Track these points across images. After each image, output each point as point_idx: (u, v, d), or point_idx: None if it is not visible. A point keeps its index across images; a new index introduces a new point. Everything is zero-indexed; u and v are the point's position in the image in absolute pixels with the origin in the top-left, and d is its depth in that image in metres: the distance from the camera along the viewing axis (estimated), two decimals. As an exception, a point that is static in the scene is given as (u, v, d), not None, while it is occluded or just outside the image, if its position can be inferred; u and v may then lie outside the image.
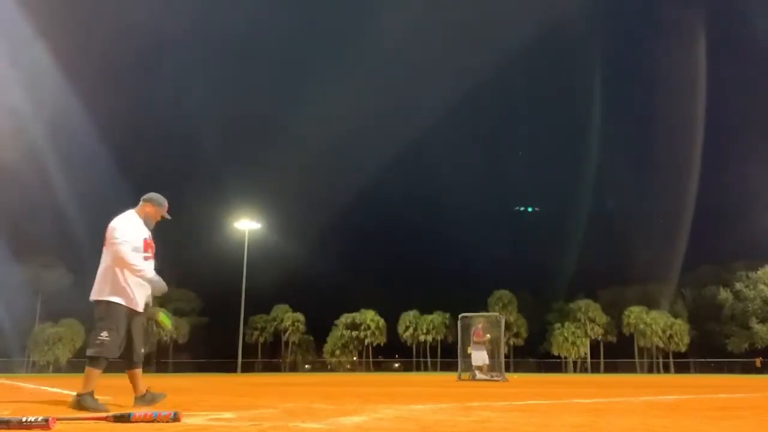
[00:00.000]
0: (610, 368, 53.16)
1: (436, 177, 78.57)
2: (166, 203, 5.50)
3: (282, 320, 57.41)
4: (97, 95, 57.66)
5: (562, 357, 54.39)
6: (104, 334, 4.91)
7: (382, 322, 55.81)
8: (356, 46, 72.30)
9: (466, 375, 16.97)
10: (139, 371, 5.27)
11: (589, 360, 54.45)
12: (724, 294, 52.10)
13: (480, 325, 17.23)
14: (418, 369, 55.41)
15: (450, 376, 20.98)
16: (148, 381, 5.52)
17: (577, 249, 65.60)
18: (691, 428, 3.79)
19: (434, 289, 59.25)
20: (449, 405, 5.76)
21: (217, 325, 55.14)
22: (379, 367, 57.62)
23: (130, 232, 5.15)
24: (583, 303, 54.43)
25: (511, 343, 51.90)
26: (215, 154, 75.14)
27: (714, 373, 45.75)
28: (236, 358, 46.24)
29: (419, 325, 55.48)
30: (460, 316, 18.70)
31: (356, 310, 56.17)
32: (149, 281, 5.14)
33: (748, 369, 46.55)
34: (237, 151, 76.25)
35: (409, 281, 63.75)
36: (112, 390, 6.76)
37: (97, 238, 5.43)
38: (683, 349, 51.89)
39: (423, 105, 78.22)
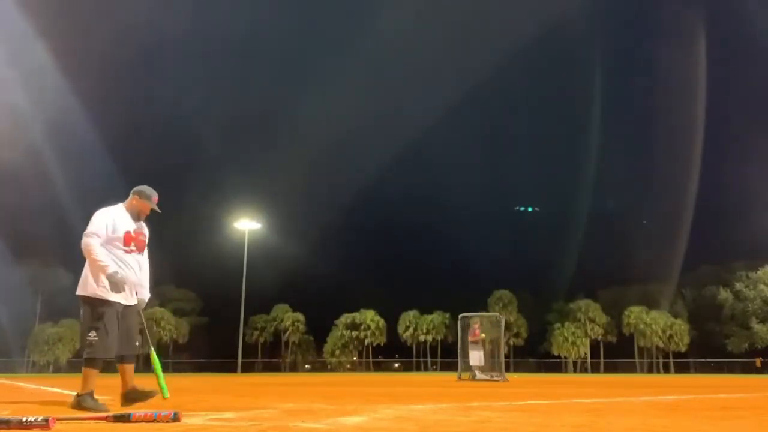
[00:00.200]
0: (610, 368, 53.15)
1: (436, 177, 78.59)
2: (155, 196, 5.31)
3: (282, 320, 57.39)
4: (97, 95, 57.79)
5: (562, 357, 54.42)
6: (92, 334, 4.86)
7: (382, 322, 55.82)
8: (356, 46, 72.34)
9: (466, 375, 16.97)
10: (128, 366, 5.16)
11: (589, 360, 54.47)
12: (724, 294, 52.10)
13: (476, 325, 17.21)
14: (418, 369, 55.40)
15: (450, 376, 20.96)
16: (148, 381, 5.50)
17: (577, 249, 65.76)
18: (691, 428, 3.78)
19: (434, 289, 59.33)
20: (449, 405, 5.75)
21: (217, 325, 55.16)
22: (379, 367, 57.60)
23: (102, 224, 4.99)
24: (583, 303, 54.45)
25: (511, 343, 51.89)
26: (215, 154, 75.32)
27: (714, 373, 45.73)
28: (236, 358, 46.26)
29: (419, 325, 55.48)
30: (460, 316, 18.71)
31: (356, 310, 56.17)
32: (108, 276, 4.87)
33: (748, 369, 46.55)
34: (237, 150, 76.45)
35: (409, 281, 63.75)
36: (113, 390, 6.74)
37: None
38: (683, 349, 51.93)
39: (423, 105, 78.32)
